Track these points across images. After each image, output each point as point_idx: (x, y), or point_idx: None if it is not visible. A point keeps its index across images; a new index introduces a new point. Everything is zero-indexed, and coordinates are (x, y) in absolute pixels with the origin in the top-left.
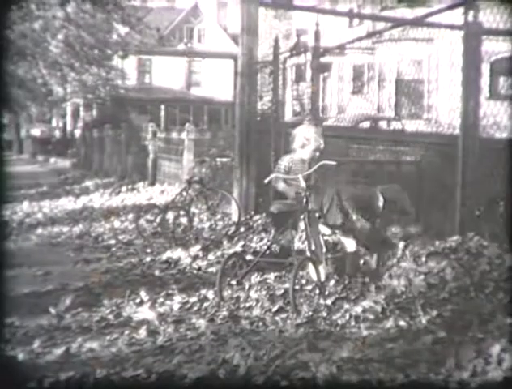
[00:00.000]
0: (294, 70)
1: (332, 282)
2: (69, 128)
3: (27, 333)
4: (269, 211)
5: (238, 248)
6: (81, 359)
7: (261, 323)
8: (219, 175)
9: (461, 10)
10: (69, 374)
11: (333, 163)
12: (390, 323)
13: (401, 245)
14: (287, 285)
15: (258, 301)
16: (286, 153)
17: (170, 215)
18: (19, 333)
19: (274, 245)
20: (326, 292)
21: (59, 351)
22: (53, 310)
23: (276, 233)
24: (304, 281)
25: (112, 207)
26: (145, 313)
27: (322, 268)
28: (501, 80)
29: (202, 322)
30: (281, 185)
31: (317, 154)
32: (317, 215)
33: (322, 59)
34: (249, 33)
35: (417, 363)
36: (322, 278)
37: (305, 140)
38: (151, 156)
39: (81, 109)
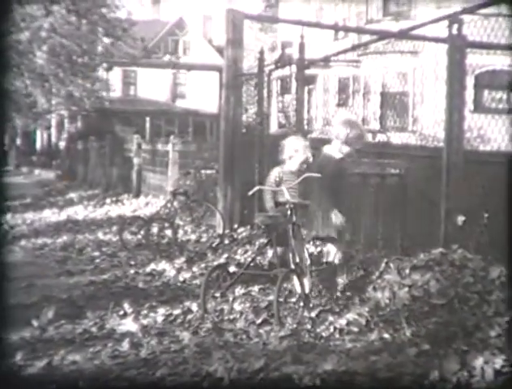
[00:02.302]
0: (279, 82)
1: (316, 294)
2: (53, 140)
3: (10, 346)
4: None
5: (222, 260)
6: (63, 372)
7: (245, 336)
8: (204, 187)
9: (445, 23)
10: (51, 386)
11: (317, 175)
12: (374, 336)
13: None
14: (271, 297)
15: (241, 313)
16: (272, 165)
17: (155, 227)
18: (2, 345)
19: (258, 258)
20: (311, 305)
21: (41, 363)
22: (35, 323)
23: (261, 246)
24: (288, 293)
25: (96, 219)
26: (128, 325)
27: (306, 280)
28: (486, 93)
29: (185, 335)
30: (269, 205)
31: (305, 166)
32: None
33: (307, 71)
34: (235, 46)
35: (401, 376)
36: (307, 290)
37: (294, 152)
38: (136, 167)
39: (66, 120)
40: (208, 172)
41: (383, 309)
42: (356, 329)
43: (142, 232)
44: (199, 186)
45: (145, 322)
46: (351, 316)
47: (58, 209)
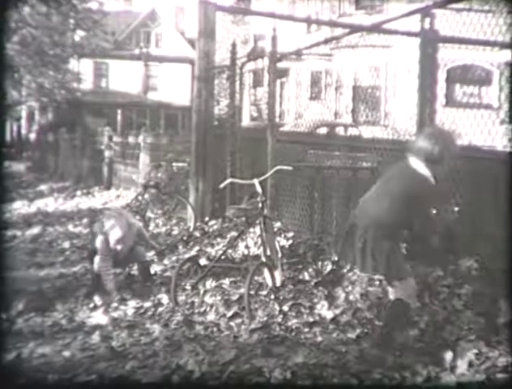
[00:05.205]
0: (251, 75)
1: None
2: (24, 131)
3: None
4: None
5: (193, 253)
6: (33, 364)
7: (215, 329)
8: (176, 180)
9: (418, 17)
10: (20, 380)
11: (288, 168)
12: (344, 329)
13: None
14: (242, 290)
15: (212, 306)
16: (243, 158)
17: None
18: None
19: (229, 251)
20: (282, 298)
21: (10, 356)
22: (4, 315)
23: (231, 239)
24: (259, 286)
25: (66, 211)
26: (98, 318)
27: (277, 273)
28: (457, 87)
29: (156, 328)
30: None
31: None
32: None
33: (280, 64)
34: (207, 38)
35: (371, 368)
36: (278, 283)
37: None
38: (107, 160)
39: (36, 112)
40: (180, 164)
41: (354, 303)
42: (327, 322)
43: None
44: (171, 179)
45: (115, 314)
46: (322, 309)
47: (28, 201)
